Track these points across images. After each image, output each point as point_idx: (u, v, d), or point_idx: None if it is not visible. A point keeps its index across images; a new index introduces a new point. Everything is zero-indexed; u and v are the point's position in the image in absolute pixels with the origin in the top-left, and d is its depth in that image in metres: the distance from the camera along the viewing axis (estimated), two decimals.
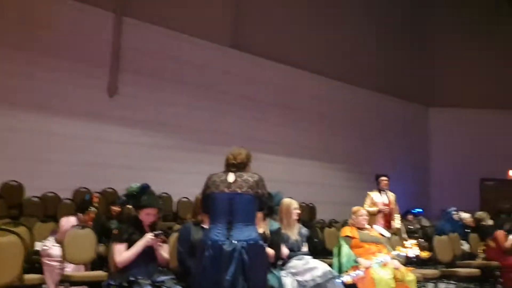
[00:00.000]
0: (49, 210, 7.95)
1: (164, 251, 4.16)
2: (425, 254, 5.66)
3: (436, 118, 15.82)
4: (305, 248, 4.98)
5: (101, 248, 5.76)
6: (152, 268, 4.03)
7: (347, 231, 5.57)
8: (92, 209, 6.03)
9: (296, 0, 12.38)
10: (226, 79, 10.95)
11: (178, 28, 10.20)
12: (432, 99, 15.78)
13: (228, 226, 3.54)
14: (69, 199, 8.33)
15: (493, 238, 7.86)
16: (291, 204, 5.04)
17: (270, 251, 4.43)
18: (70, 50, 8.81)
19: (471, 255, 8.12)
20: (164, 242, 4.19)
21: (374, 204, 7.75)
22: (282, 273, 4.54)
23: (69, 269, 5.42)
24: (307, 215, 10.89)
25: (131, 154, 9.35)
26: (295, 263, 4.68)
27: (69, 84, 8.77)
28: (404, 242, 5.65)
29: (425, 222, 12.28)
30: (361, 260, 5.20)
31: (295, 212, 5.04)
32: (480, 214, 8.67)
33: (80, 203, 6.49)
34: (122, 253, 3.98)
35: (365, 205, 7.84)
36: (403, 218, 9.64)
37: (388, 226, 7.58)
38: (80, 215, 5.99)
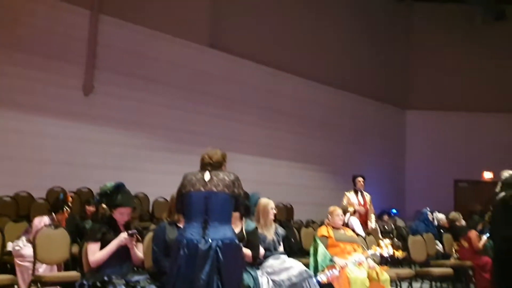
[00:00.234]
0: (21, 210, 7.79)
1: (139, 251, 4.12)
2: (399, 254, 5.72)
3: (412, 120, 16.05)
4: (281, 248, 4.99)
5: (75, 248, 5.67)
6: (127, 268, 3.99)
7: (323, 230, 5.60)
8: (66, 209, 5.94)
9: (275, 0, 12.42)
10: (204, 79, 10.89)
11: (156, 27, 10.11)
12: (408, 102, 16.01)
13: (203, 225, 3.51)
14: (42, 198, 8.18)
15: (466, 238, 8.00)
16: (268, 203, 5.05)
17: (247, 251, 4.43)
18: (44, 47, 8.66)
19: (445, 255, 8.25)
20: (139, 241, 4.14)
21: (350, 204, 7.84)
22: (258, 272, 4.54)
23: (41, 269, 5.34)
24: (285, 216, 10.90)
25: (106, 153, 9.24)
26: (271, 263, 4.69)
27: (44, 82, 8.61)
28: (379, 241, 5.70)
29: (400, 223, 12.45)
30: (336, 260, 5.24)
31: (272, 211, 5.06)
32: (453, 214, 8.80)
33: (53, 202, 6.39)
34: (95, 253, 3.93)
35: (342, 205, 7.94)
36: (379, 218, 9.76)
37: (364, 226, 7.68)
38: (54, 215, 5.90)
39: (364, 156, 14.09)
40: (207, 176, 3.66)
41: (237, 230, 4.30)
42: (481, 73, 15.22)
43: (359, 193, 8.20)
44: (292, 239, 7.60)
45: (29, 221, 6.39)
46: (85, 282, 3.78)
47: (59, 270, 5.48)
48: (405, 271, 6.74)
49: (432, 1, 15.97)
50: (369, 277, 5.17)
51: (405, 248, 7.07)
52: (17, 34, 8.37)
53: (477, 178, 15.24)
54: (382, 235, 7.58)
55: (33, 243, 5.11)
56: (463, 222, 8.66)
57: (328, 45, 13.46)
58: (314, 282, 4.65)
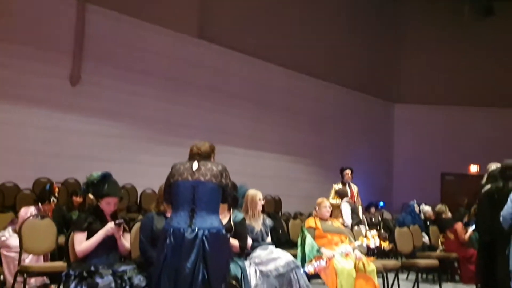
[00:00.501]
0: (7, 200, 7.73)
1: (126, 241, 4.10)
2: (386, 245, 5.77)
3: (400, 113, 16.14)
4: (268, 239, 5.00)
5: (61, 239, 5.64)
6: (113, 258, 3.96)
7: (310, 222, 5.63)
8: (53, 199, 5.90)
9: None
10: (192, 70, 10.83)
11: (144, 17, 10.02)
12: (397, 95, 16.09)
13: (190, 214, 3.50)
14: (28, 189, 8.11)
15: (452, 231, 8.08)
16: (256, 195, 5.05)
17: (234, 241, 4.43)
18: (31, 36, 8.55)
19: (431, 247, 8.33)
20: (126, 230, 4.12)
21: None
22: (246, 263, 4.55)
23: (28, 260, 5.30)
24: (273, 208, 10.93)
25: (93, 144, 9.17)
26: (259, 253, 4.70)
27: (30, 72, 8.51)
28: (366, 232, 5.75)
29: (387, 215, 12.53)
30: (324, 250, 5.26)
31: (260, 203, 5.06)
32: (440, 207, 8.89)
33: (40, 193, 6.35)
34: (82, 242, 3.90)
35: (330, 197, 7.99)
36: (366, 210, 9.82)
37: None
38: (40, 205, 5.87)
39: (352, 149, 14.14)
40: (195, 165, 3.64)
41: (225, 221, 4.30)
42: (469, 68, 15.34)
43: (347, 186, 8.24)
44: (280, 231, 7.64)
45: (15, 211, 6.34)
46: (71, 272, 3.74)
47: (45, 260, 5.46)
48: (391, 263, 6.80)
49: None
50: (356, 268, 5.21)
51: (391, 239, 7.11)
52: (2, 23, 8.25)
53: (464, 171, 15.40)
54: (369, 227, 7.61)
55: (19, 233, 5.07)
56: (449, 215, 8.75)
57: (318, 37, 13.44)
58: (301, 272, 4.67)
